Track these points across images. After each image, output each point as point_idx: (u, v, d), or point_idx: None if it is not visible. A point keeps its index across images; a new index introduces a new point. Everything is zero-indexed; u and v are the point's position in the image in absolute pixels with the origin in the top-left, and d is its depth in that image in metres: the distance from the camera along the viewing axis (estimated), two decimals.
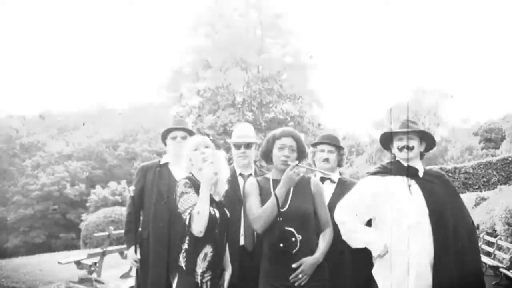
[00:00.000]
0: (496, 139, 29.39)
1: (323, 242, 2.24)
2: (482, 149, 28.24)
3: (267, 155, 2.38)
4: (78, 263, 6.05)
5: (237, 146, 2.82)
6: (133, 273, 2.82)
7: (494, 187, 13.23)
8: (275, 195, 2.18)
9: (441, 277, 2.22)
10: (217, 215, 2.22)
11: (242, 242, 2.61)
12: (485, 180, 15.23)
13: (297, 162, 2.23)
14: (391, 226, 2.30)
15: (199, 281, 2.16)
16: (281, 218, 2.16)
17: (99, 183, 26.89)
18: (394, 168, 2.44)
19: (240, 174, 2.80)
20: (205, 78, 18.52)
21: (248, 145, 2.82)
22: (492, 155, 22.70)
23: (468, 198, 10.57)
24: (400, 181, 2.40)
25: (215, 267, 2.23)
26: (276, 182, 2.28)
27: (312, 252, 2.19)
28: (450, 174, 15.51)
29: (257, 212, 2.22)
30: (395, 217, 2.30)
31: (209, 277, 2.19)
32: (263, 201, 2.25)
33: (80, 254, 7.48)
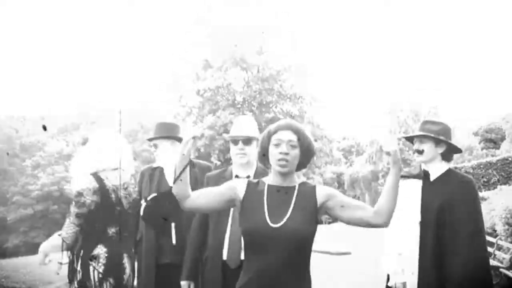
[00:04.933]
0: (496, 139, 29.39)
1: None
2: (482, 149, 28.24)
3: (263, 156, 1.95)
4: None
5: (235, 141, 2.48)
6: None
7: (494, 187, 13.23)
8: (175, 172, 1.70)
9: (421, 280, 2.30)
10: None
11: (225, 256, 2.33)
12: (485, 180, 15.23)
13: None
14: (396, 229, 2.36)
15: None
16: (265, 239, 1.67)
17: None
18: (411, 172, 2.50)
19: (237, 176, 2.47)
20: (205, 78, 18.53)
21: (247, 141, 2.46)
22: (492, 155, 22.70)
23: None
24: (411, 184, 2.44)
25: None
26: (272, 188, 1.79)
27: None
28: None
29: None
30: (396, 221, 2.33)
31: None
32: (249, 210, 1.76)
33: None
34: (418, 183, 2.41)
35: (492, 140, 29.81)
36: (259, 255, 1.69)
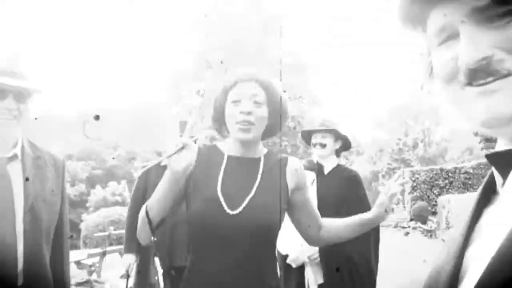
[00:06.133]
0: (496, 139, 29.36)
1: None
2: (482, 149, 28.25)
3: (219, 119, 1.37)
4: (78, 263, 6.05)
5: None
6: (132, 273, 2.82)
7: None
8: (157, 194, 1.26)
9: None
10: None
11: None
12: None
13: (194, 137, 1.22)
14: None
15: None
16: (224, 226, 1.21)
17: (99, 183, 26.90)
18: (307, 164, 2.57)
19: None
20: (205, 78, 18.55)
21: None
22: None
23: (468, 198, 10.57)
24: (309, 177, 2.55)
25: None
26: (233, 160, 1.31)
27: None
28: (450, 174, 15.50)
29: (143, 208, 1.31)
30: None
31: None
32: (197, 189, 1.27)
33: (80, 254, 7.48)
34: (312, 175, 2.48)
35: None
36: (208, 252, 1.22)
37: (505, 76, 0.45)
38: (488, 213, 0.52)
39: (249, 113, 1.26)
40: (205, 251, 1.23)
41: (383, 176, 23.23)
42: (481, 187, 0.56)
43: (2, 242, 1.20)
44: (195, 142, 1.21)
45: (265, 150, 1.38)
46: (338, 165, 2.55)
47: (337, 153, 2.58)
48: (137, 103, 34.69)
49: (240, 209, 1.22)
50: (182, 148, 1.16)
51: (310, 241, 1.41)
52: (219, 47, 18.16)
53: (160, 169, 2.89)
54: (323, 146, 2.48)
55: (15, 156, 1.36)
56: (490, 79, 0.46)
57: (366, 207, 2.39)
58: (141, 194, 2.84)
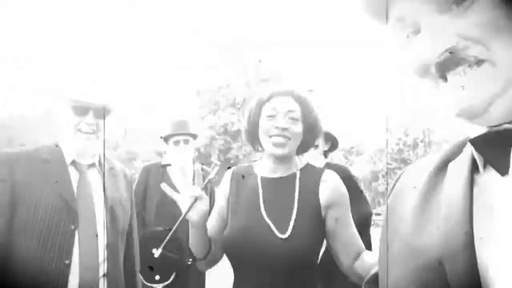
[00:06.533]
0: None
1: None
2: None
3: (252, 133, 1.32)
4: None
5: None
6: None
7: None
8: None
9: None
10: None
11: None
12: None
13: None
14: None
15: None
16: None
17: None
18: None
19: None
20: (205, 78, 18.57)
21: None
22: None
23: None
24: None
25: None
26: (267, 182, 1.26)
27: None
28: None
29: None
30: None
31: None
32: (237, 213, 1.24)
33: None
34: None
35: None
36: (246, 276, 1.19)
37: (474, 63, 0.45)
38: (482, 196, 0.49)
39: (284, 129, 1.23)
40: (243, 275, 1.20)
41: (383, 176, 23.25)
42: (464, 168, 0.53)
43: (84, 234, 1.34)
44: (214, 177, 1.27)
45: (303, 163, 1.33)
46: (328, 164, 2.55)
47: (325, 154, 2.63)
48: (137, 103, 34.69)
49: (288, 233, 1.15)
50: (196, 200, 1.17)
51: (345, 270, 1.22)
52: (219, 47, 18.16)
53: (160, 169, 2.93)
54: (316, 147, 2.49)
55: (93, 165, 1.50)
56: (459, 68, 0.46)
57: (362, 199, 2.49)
58: (142, 188, 2.86)
